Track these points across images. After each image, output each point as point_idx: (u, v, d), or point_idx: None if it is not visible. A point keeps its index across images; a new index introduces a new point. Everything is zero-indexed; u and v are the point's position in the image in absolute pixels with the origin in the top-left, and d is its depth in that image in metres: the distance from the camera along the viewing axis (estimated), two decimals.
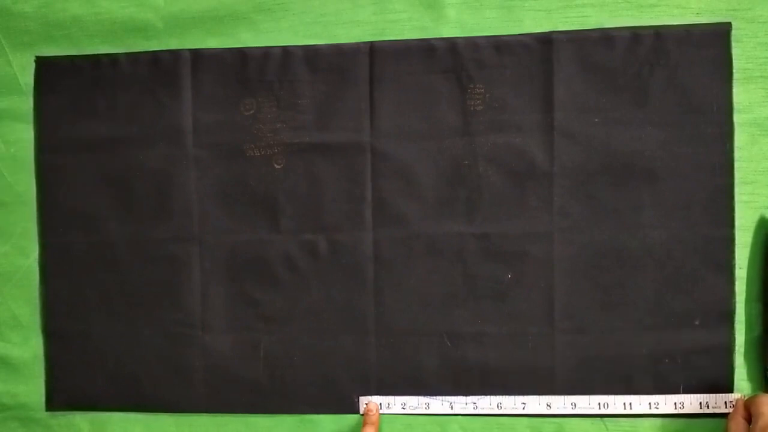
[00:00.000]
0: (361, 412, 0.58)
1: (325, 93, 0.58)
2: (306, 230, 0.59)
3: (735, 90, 0.55)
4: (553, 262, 0.57)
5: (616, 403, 0.56)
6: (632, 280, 0.56)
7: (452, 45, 0.57)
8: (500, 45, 0.57)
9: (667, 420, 0.56)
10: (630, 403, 0.56)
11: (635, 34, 0.55)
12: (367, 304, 0.58)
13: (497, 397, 0.57)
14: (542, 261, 0.57)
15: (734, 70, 0.55)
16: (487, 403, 0.57)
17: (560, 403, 0.57)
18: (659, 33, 0.55)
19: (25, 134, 0.61)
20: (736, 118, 0.55)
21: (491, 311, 0.57)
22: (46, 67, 0.61)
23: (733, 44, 0.55)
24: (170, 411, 0.61)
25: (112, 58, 0.60)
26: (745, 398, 0.53)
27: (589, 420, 0.57)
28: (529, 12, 0.56)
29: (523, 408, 0.57)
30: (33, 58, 0.61)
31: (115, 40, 0.60)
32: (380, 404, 0.58)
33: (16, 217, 0.62)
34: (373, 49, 0.58)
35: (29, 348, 0.62)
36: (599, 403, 0.56)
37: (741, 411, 0.52)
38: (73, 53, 0.61)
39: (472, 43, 0.57)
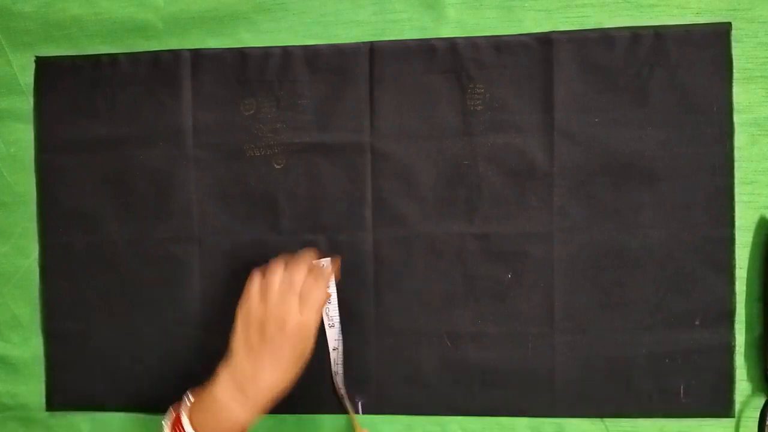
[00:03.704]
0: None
1: (325, 93, 0.58)
2: (306, 230, 0.59)
3: (735, 90, 0.55)
4: (553, 262, 0.57)
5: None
6: (632, 281, 0.56)
7: (452, 45, 0.57)
8: (500, 45, 0.57)
9: (667, 420, 0.56)
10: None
11: (635, 34, 0.55)
12: (367, 304, 0.58)
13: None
14: (542, 261, 0.57)
15: (734, 70, 0.55)
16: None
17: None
18: (659, 33, 0.55)
19: (25, 134, 0.61)
20: (736, 118, 0.55)
21: (491, 311, 0.57)
22: (46, 67, 0.61)
23: (733, 44, 0.55)
24: None
25: (112, 58, 0.60)
26: None
27: (589, 420, 0.57)
28: (529, 12, 0.56)
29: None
30: (33, 58, 0.61)
31: (115, 40, 0.60)
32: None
33: (16, 217, 0.62)
34: (373, 49, 0.58)
35: (29, 348, 0.62)
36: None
37: None
38: (73, 53, 0.61)
39: (472, 43, 0.57)
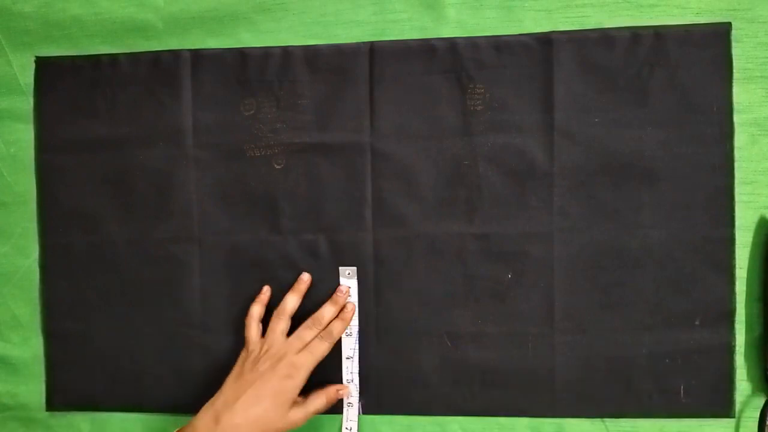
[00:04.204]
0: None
1: (325, 93, 0.58)
2: (306, 230, 0.59)
3: (735, 90, 0.55)
4: (553, 262, 0.57)
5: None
6: (632, 280, 0.56)
7: (452, 45, 0.57)
8: (500, 45, 0.57)
9: (667, 420, 0.56)
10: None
11: (635, 34, 0.55)
12: (367, 304, 0.58)
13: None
14: (542, 261, 0.57)
15: (734, 70, 0.55)
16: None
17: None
18: (659, 33, 0.55)
19: (25, 134, 0.61)
20: (736, 118, 0.55)
21: (491, 311, 0.57)
22: (46, 67, 0.61)
23: (733, 44, 0.55)
24: (170, 411, 0.61)
25: (112, 58, 0.60)
26: None
27: (589, 420, 0.57)
28: (529, 12, 0.56)
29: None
30: (33, 58, 0.61)
31: (115, 40, 0.60)
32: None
33: (16, 217, 0.62)
34: (373, 49, 0.58)
35: (29, 348, 0.62)
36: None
37: None
38: (73, 53, 0.61)
39: (472, 43, 0.57)
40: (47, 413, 0.62)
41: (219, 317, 0.60)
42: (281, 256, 0.59)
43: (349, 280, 0.57)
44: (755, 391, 0.56)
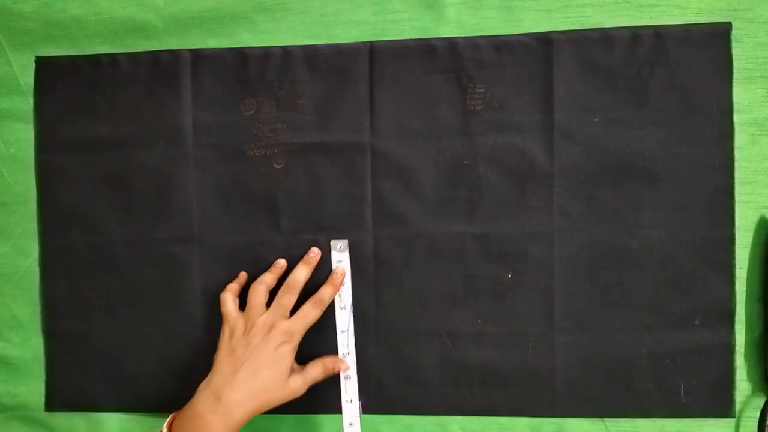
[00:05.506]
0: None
1: (325, 93, 0.58)
2: (306, 230, 0.59)
3: (735, 90, 0.55)
4: (553, 262, 0.57)
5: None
6: (632, 280, 0.56)
7: (452, 45, 0.57)
8: (500, 45, 0.57)
9: (667, 420, 0.56)
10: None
11: (635, 34, 0.55)
12: (367, 304, 0.58)
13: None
14: (542, 261, 0.57)
15: (734, 70, 0.55)
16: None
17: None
18: (659, 33, 0.55)
19: (25, 134, 0.61)
20: (736, 118, 0.55)
21: (491, 311, 0.57)
22: (46, 67, 0.61)
23: (733, 44, 0.55)
24: (170, 411, 0.60)
25: (112, 58, 0.60)
26: None
27: (589, 420, 0.57)
28: (529, 12, 0.56)
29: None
30: (33, 58, 0.61)
31: (115, 40, 0.60)
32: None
33: (16, 217, 0.62)
34: (373, 49, 0.58)
35: (29, 348, 0.62)
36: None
37: None
38: (73, 53, 0.61)
39: (472, 43, 0.57)
40: (47, 413, 0.62)
41: (219, 317, 0.60)
42: (281, 256, 0.59)
43: (340, 253, 0.57)
44: (755, 391, 0.56)
